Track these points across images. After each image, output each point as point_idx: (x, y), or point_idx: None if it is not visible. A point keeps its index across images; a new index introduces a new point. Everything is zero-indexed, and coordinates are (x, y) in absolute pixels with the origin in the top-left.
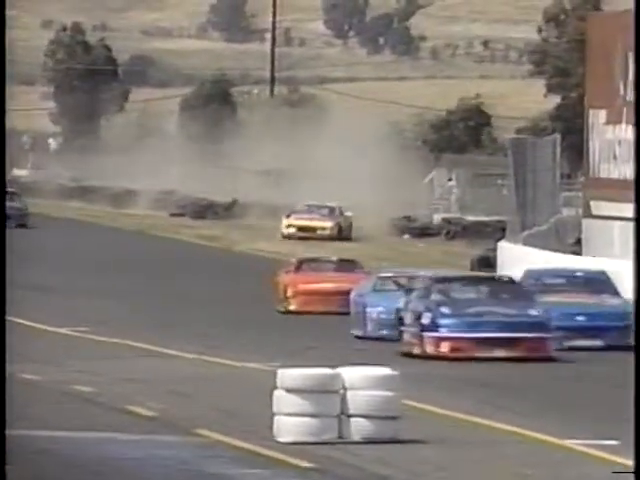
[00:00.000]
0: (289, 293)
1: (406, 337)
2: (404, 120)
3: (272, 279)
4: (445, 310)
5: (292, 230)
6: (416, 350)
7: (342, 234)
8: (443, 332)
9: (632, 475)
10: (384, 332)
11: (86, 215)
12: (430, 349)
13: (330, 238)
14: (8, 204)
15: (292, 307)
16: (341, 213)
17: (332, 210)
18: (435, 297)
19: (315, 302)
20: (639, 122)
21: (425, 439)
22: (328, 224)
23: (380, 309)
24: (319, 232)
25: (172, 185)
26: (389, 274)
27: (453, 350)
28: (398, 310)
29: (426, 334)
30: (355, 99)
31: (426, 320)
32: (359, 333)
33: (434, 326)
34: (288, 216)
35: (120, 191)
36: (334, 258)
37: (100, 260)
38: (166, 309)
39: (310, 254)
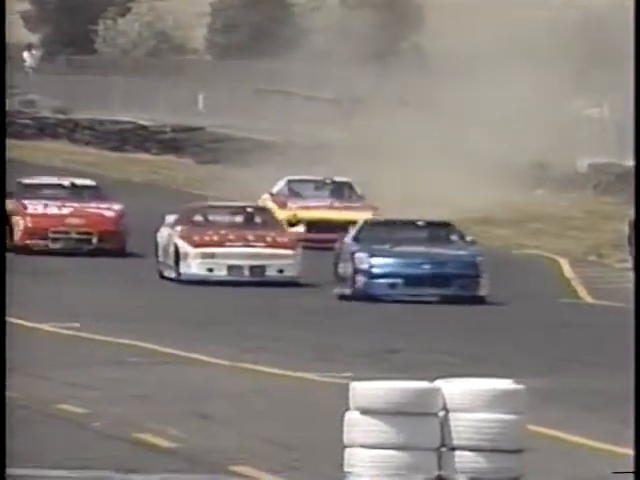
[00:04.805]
0: None
1: None
2: (534, 23)
3: None
4: None
5: (299, 229)
6: None
7: None
8: None
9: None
10: None
11: (79, 162)
12: None
13: None
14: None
15: None
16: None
17: (344, 188)
18: None
19: None
20: (639, 120)
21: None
22: (366, 215)
23: None
24: None
25: (199, 119)
26: None
27: None
28: None
29: None
30: None
31: None
32: None
33: None
34: (283, 204)
35: (126, 127)
36: None
37: None
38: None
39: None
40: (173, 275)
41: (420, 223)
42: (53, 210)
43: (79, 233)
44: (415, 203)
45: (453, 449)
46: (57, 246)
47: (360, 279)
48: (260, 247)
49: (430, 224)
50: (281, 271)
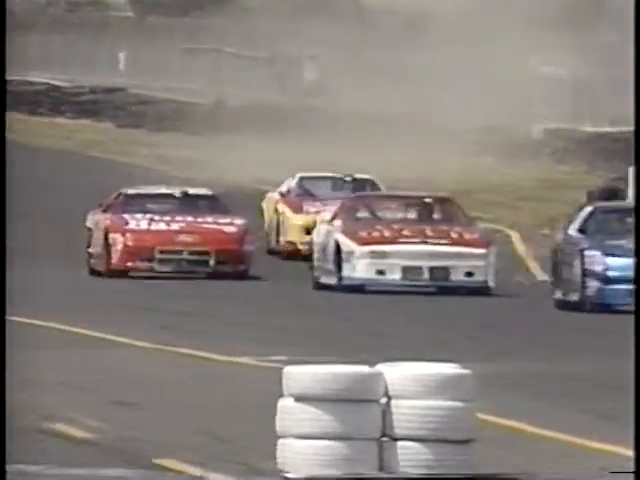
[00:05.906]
0: None
1: None
2: None
3: None
4: None
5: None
6: None
7: None
8: None
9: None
10: None
11: None
12: None
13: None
14: None
15: None
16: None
17: (366, 186)
18: None
19: None
20: (639, 121)
21: (510, 472)
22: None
23: None
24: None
25: (120, 79)
26: None
27: None
28: None
29: None
30: None
31: None
32: None
33: None
34: (297, 208)
35: (40, 88)
36: None
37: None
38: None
39: None
40: (333, 281)
41: None
42: (160, 225)
43: (193, 253)
44: (338, 169)
45: (395, 439)
46: (165, 269)
47: (592, 284)
48: (443, 245)
49: None
50: (470, 274)
